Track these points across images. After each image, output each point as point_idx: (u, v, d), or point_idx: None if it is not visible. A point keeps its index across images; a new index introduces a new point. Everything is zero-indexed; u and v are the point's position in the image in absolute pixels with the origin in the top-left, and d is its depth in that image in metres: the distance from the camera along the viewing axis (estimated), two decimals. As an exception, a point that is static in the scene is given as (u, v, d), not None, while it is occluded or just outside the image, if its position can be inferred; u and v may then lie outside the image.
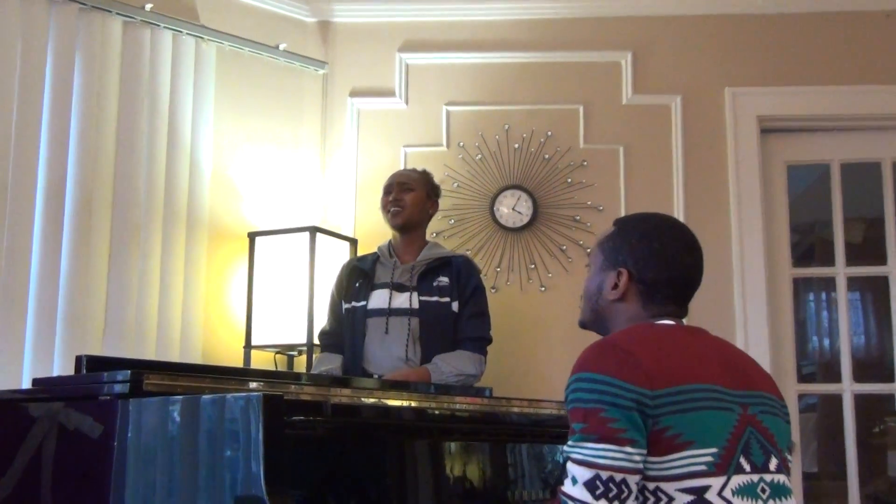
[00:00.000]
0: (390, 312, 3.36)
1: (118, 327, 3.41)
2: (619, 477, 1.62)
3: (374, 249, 3.59)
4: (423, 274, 3.42)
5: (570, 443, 1.67)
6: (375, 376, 3.30)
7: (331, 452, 1.88)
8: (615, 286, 1.91)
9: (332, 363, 3.39)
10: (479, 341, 3.40)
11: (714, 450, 1.67)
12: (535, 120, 4.16)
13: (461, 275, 3.43)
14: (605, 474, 1.62)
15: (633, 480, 1.64)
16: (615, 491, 1.62)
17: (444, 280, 3.41)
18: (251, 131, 4.07)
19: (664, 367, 1.70)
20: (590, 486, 1.62)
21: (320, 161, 4.22)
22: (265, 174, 4.08)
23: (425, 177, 3.58)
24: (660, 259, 1.90)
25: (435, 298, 3.38)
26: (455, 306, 3.39)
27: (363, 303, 3.41)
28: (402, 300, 3.38)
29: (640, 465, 1.64)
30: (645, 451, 1.65)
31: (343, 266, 3.60)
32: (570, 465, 1.66)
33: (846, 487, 3.92)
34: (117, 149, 3.53)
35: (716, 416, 1.70)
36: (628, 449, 1.63)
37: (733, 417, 1.72)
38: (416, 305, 3.36)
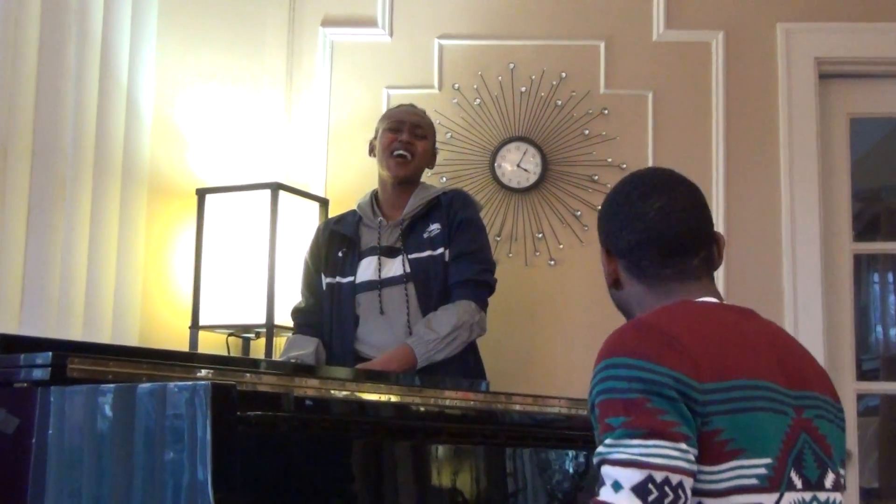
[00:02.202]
0: (382, 284, 3.34)
1: (38, 301, 3.40)
2: (675, 479, 1.56)
3: (353, 207, 3.56)
4: (411, 226, 3.39)
5: (607, 441, 1.60)
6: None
7: (293, 455, 1.88)
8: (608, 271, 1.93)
9: (303, 348, 3.35)
10: (468, 285, 3.31)
11: (767, 460, 1.64)
12: (546, 58, 4.15)
13: (450, 212, 3.37)
14: (659, 475, 1.55)
15: (689, 485, 1.58)
16: (671, 497, 1.55)
17: (434, 228, 3.36)
18: (201, 67, 4.05)
19: (713, 355, 1.67)
20: (640, 490, 1.55)
21: (285, 105, 4.20)
22: (218, 119, 4.06)
23: (433, 125, 3.56)
24: (623, 216, 1.88)
25: (427, 253, 3.33)
26: (448, 255, 3.34)
27: (350, 278, 3.37)
28: (395, 267, 3.34)
29: (695, 468, 1.60)
30: (697, 452, 1.61)
31: (318, 230, 3.57)
32: (609, 469, 1.59)
33: (912, 506, 3.95)
34: (38, 87, 3.50)
35: (770, 419, 1.67)
36: (683, 446, 1.57)
37: (786, 422, 1.69)
38: (409, 269, 3.33)
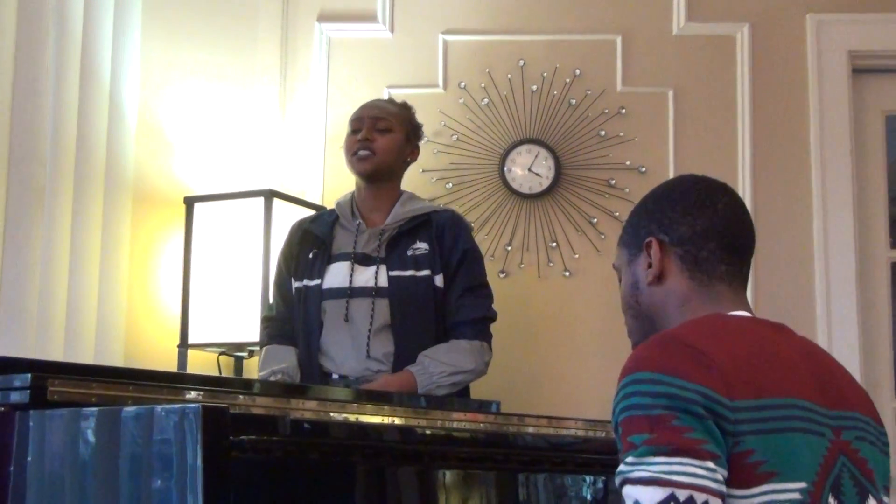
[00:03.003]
0: (351, 293, 3.33)
1: (15, 318, 3.40)
2: (700, 498, 1.56)
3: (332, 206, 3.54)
4: (395, 239, 3.37)
5: (629, 460, 1.61)
6: (336, 377, 3.29)
7: (290, 482, 1.88)
8: (649, 265, 1.91)
9: (283, 360, 3.34)
10: (478, 324, 3.35)
11: (802, 485, 1.64)
12: (558, 54, 4.15)
13: (444, 236, 3.37)
14: (682, 494, 1.56)
15: None
16: None
17: (421, 246, 3.36)
18: (189, 66, 4.05)
19: (745, 371, 1.67)
20: None
21: (279, 106, 4.20)
22: (207, 122, 4.07)
23: (406, 113, 3.52)
24: (688, 204, 1.92)
25: (409, 272, 3.32)
26: (439, 280, 3.34)
27: (317, 281, 3.36)
28: (367, 276, 3.33)
29: (724, 489, 1.60)
30: (727, 473, 1.61)
31: (291, 230, 3.54)
32: (630, 489, 1.60)
33: (956, 534, 3.93)
34: (14, 87, 3.50)
35: (806, 440, 1.67)
36: (710, 464, 1.58)
37: (824, 444, 1.69)
38: (383, 283, 3.31)
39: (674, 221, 1.90)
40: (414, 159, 3.54)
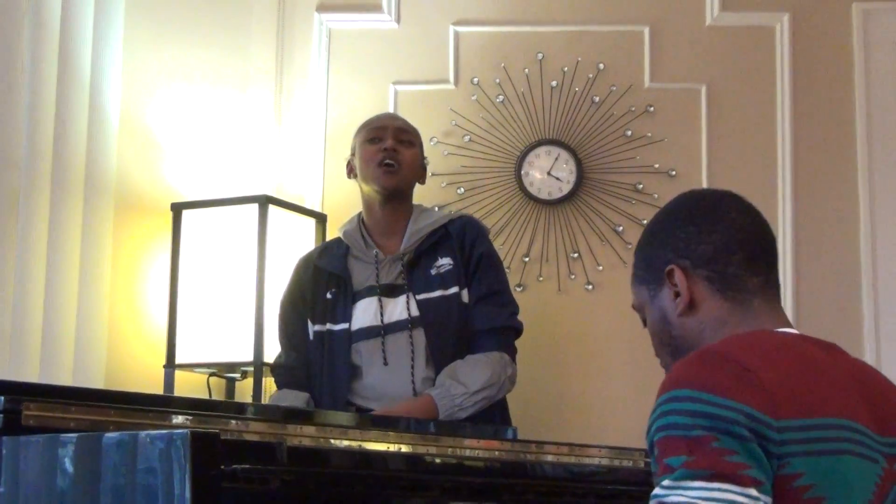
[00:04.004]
0: (385, 330, 3.30)
1: (-13, 337, 3.41)
2: None
3: (338, 236, 3.50)
4: (415, 259, 3.36)
5: (665, 483, 1.61)
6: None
7: (287, 516, 1.88)
8: (676, 295, 1.91)
9: (291, 402, 3.29)
10: (495, 334, 3.31)
11: None
12: (580, 47, 4.15)
13: (464, 247, 3.35)
14: None
15: None
16: None
17: (444, 262, 3.34)
18: (176, 63, 4.06)
19: (792, 389, 1.67)
20: None
21: (275, 103, 4.21)
22: (196, 123, 4.07)
23: (419, 133, 3.50)
24: (701, 222, 1.91)
25: (437, 293, 3.31)
26: (466, 295, 3.32)
27: (344, 325, 3.32)
28: (399, 309, 3.31)
29: None
30: (771, 501, 1.61)
31: (298, 268, 3.49)
32: None
33: None
34: (-13, 84, 3.52)
35: (858, 465, 1.67)
36: (753, 492, 1.57)
37: (876, 471, 1.69)
38: (415, 311, 3.30)
39: (690, 242, 1.90)
40: (423, 181, 3.53)
